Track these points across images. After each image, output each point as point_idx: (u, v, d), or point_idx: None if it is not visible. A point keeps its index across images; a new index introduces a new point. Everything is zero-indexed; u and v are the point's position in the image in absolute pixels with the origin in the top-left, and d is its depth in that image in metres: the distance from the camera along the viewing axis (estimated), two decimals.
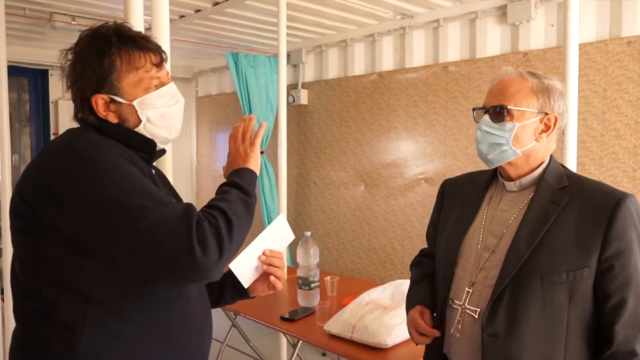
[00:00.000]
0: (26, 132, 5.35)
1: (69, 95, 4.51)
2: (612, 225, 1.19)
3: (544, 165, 1.33)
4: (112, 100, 1.17)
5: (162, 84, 1.22)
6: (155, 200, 1.05)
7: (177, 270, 1.03)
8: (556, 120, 1.31)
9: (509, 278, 1.24)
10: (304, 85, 4.81)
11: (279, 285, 1.33)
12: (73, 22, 3.86)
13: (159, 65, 1.21)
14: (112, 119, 1.18)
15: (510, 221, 1.31)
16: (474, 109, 1.38)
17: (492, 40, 3.59)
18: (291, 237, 1.39)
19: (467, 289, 1.33)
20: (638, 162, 2.98)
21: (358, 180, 4.42)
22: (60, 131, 5.23)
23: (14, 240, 1.17)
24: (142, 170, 1.14)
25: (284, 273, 1.32)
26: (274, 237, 1.32)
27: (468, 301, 1.32)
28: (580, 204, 1.24)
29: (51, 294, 1.08)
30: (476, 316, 1.29)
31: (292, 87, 4.76)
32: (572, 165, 2.07)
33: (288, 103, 4.79)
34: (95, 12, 3.87)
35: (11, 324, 2.89)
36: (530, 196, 1.31)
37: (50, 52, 5.07)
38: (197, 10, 3.81)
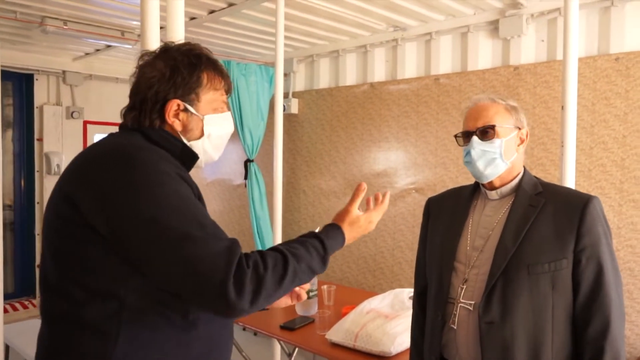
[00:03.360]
0: (7, 136, 5.24)
1: (54, 100, 4.42)
2: (583, 222, 1.39)
3: (520, 176, 1.55)
4: (185, 109, 1.23)
5: (225, 110, 1.32)
6: (203, 231, 1.04)
7: (206, 303, 1.03)
8: (527, 133, 1.57)
9: (500, 271, 1.42)
10: (295, 95, 4.84)
11: (304, 295, 1.36)
12: (65, 27, 3.81)
13: (228, 92, 1.32)
14: (177, 126, 1.24)
15: (495, 224, 1.51)
16: (459, 135, 1.57)
17: (484, 54, 3.68)
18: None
19: (460, 285, 1.50)
20: (625, 174, 3.08)
21: (348, 189, 4.44)
22: (45, 136, 5.17)
23: (47, 240, 1.16)
24: (190, 185, 1.15)
25: (308, 284, 1.33)
26: None
27: (462, 296, 1.49)
28: (554, 206, 1.45)
29: (84, 297, 1.07)
30: (471, 308, 1.46)
31: (282, 96, 4.76)
32: (570, 175, 2.13)
33: None
34: (88, 17, 3.83)
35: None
36: (510, 202, 1.52)
37: (37, 56, 5.00)
38: (192, 18, 3.80)
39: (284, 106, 4.66)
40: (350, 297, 2.96)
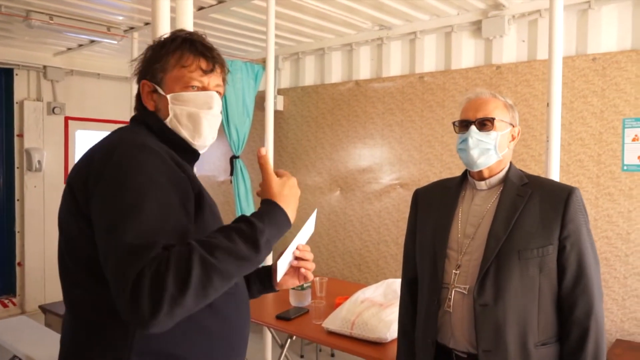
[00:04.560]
0: None
1: (34, 95, 4.40)
2: (566, 211, 1.50)
3: (506, 168, 1.63)
4: (155, 90, 1.23)
5: (203, 89, 1.24)
6: (140, 239, 0.98)
7: (118, 309, 0.97)
8: (519, 131, 1.65)
9: (493, 257, 1.50)
10: (280, 92, 4.89)
11: (311, 276, 1.38)
12: (50, 22, 3.78)
13: (207, 72, 1.23)
14: (150, 107, 1.24)
15: (485, 213, 1.59)
16: (457, 122, 1.63)
17: (467, 53, 3.79)
18: (312, 230, 1.45)
19: (454, 271, 1.57)
20: (601, 169, 3.23)
21: (334, 185, 4.52)
22: (26, 132, 5.11)
23: (60, 230, 1.19)
24: (185, 170, 1.17)
25: (313, 265, 1.37)
26: (305, 231, 1.39)
27: (456, 281, 1.56)
28: (540, 196, 1.54)
29: (99, 285, 1.10)
30: (465, 292, 1.53)
31: (273, 93, 4.81)
32: (555, 168, 2.25)
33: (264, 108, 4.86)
34: (74, 12, 3.81)
35: None
36: (498, 192, 1.60)
37: (16, 51, 4.94)
38: None
39: None
40: (340, 289, 3.04)
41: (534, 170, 3.38)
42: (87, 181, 1.10)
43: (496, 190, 1.61)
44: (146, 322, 0.92)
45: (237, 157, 4.75)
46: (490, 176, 1.62)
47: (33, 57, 5.08)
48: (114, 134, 1.23)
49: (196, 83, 1.23)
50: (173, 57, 1.22)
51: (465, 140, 1.58)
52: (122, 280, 0.95)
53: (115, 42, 4.34)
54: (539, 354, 1.49)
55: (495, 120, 1.57)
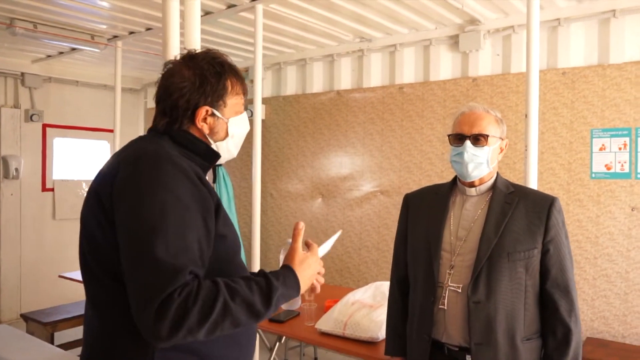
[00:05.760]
0: None
1: (11, 102, 4.39)
2: (549, 218, 1.65)
3: (494, 177, 1.77)
4: (212, 114, 1.34)
5: (243, 111, 1.43)
6: (166, 253, 1.07)
7: (135, 318, 1.08)
8: (507, 143, 1.79)
9: (485, 258, 1.63)
10: (262, 100, 4.96)
11: (318, 289, 1.43)
12: (35, 29, 3.78)
13: (245, 94, 1.42)
14: (205, 129, 1.34)
15: (476, 217, 1.72)
16: (452, 135, 1.75)
17: (445, 66, 3.97)
18: (329, 248, 1.53)
19: (448, 271, 1.69)
20: (572, 176, 3.43)
21: (315, 192, 4.63)
22: (3, 140, 5.06)
23: (83, 233, 1.25)
24: (206, 184, 1.25)
25: (322, 279, 1.42)
26: (324, 247, 1.48)
27: (450, 280, 1.68)
28: (526, 204, 1.69)
29: (119, 286, 1.16)
30: (459, 290, 1.66)
31: (249, 102, 4.90)
32: (533, 175, 2.41)
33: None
34: (58, 20, 3.83)
35: None
36: (487, 198, 1.74)
37: None
38: None
39: (250, 111, 4.79)
40: (328, 292, 3.13)
41: (508, 177, 3.55)
42: (112, 189, 1.17)
43: (485, 197, 1.74)
44: (159, 340, 1.05)
45: (220, 165, 4.80)
46: (480, 184, 1.75)
47: (11, 64, 5.04)
48: (138, 143, 1.30)
49: (242, 108, 1.41)
50: (230, 86, 1.35)
51: (460, 154, 1.70)
52: (148, 296, 1.04)
53: (99, 50, 4.36)
54: (524, 348, 1.62)
55: (489, 137, 1.69)
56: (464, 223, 1.73)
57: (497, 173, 1.79)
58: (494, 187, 1.75)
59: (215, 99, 1.34)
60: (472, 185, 1.76)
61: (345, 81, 4.50)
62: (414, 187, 4.04)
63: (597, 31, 3.38)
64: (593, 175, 3.36)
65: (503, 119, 1.78)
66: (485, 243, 1.65)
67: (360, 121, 4.36)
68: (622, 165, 3.28)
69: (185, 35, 2.23)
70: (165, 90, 1.34)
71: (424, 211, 1.83)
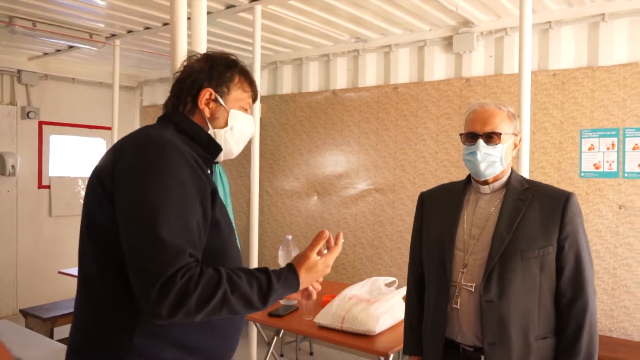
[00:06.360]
0: None
1: (8, 99, 4.46)
2: (565, 214, 1.61)
3: (508, 173, 1.74)
4: (216, 100, 1.38)
5: (249, 113, 1.49)
6: (170, 234, 1.12)
7: (136, 295, 1.13)
8: (520, 138, 1.76)
9: (498, 256, 1.60)
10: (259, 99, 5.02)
11: (314, 295, 1.47)
12: (34, 28, 3.82)
13: (254, 101, 1.49)
14: (207, 113, 1.38)
15: (489, 215, 1.69)
16: (464, 134, 1.72)
17: (439, 66, 4.05)
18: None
19: (461, 269, 1.67)
20: (561, 175, 3.53)
21: (311, 190, 4.70)
22: None
23: (85, 215, 1.28)
24: (204, 171, 1.29)
25: (319, 286, 1.46)
26: None
27: (463, 279, 1.66)
28: (540, 201, 1.65)
29: (108, 268, 1.21)
30: (472, 289, 1.63)
31: (259, 102, 4.95)
32: (524, 173, 2.50)
33: None
34: (57, 19, 3.86)
35: None
36: (501, 196, 1.70)
37: None
38: (165, 24, 3.93)
39: None
40: (324, 288, 3.19)
41: None
42: (113, 170, 1.20)
43: (499, 194, 1.71)
44: (158, 317, 1.11)
45: (216, 162, 4.85)
46: (494, 181, 1.72)
47: (7, 61, 5.06)
48: (143, 129, 1.34)
49: (248, 108, 1.46)
50: (239, 78, 1.41)
51: (473, 153, 1.67)
52: (151, 275, 1.09)
53: (96, 48, 4.40)
54: (538, 347, 1.60)
55: (501, 135, 1.65)
56: (478, 221, 1.70)
57: (512, 169, 1.75)
58: (507, 184, 1.71)
59: (219, 83, 1.39)
60: (485, 182, 1.72)
61: (340, 80, 4.57)
62: (408, 186, 4.14)
63: (587, 34, 3.47)
64: (582, 174, 3.46)
65: (516, 115, 1.73)
66: (497, 241, 1.62)
67: (356, 120, 4.43)
68: (610, 165, 3.38)
69: (192, 35, 2.30)
70: (179, 75, 1.41)
71: (438, 210, 1.81)
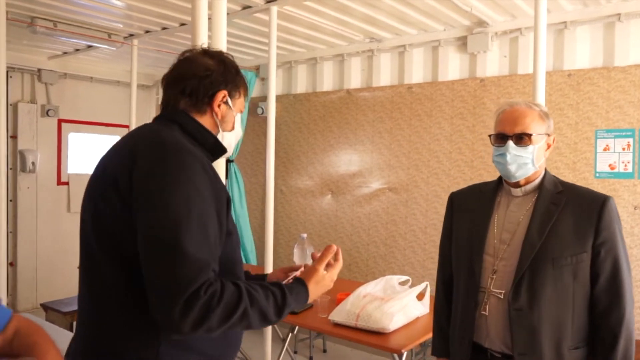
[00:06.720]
0: None
1: (28, 97, 4.54)
2: (601, 219, 1.52)
3: (542, 175, 1.64)
4: (226, 102, 1.38)
5: (241, 112, 1.50)
6: (193, 247, 1.11)
7: (154, 310, 1.11)
8: (554, 139, 1.67)
9: (527, 263, 1.53)
10: None
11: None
12: (55, 28, 3.90)
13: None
14: (218, 115, 1.37)
15: (520, 219, 1.61)
16: (494, 135, 1.64)
17: (453, 66, 4.06)
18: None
19: (490, 275, 1.61)
20: (576, 175, 3.53)
21: (325, 188, 4.74)
22: (20, 134, 5.17)
23: (90, 214, 1.25)
24: (218, 178, 1.29)
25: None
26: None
27: (492, 285, 1.59)
28: (574, 204, 1.56)
29: (121, 275, 1.19)
30: (501, 297, 1.57)
31: (260, 100, 5.02)
32: None
33: (257, 114, 5.05)
34: (77, 19, 3.94)
35: None
36: (534, 199, 1.61)
37: (12, 53, 4.98)
38: (182, 24, 3.99)
39: (261, 109, 4.91)
40: (338, 286, 3.23)
41: None
42: (130, 174, 1.17)
43: (531, 197, 1.62)
44: (180, 333, 1.10)
45: (231, 161, 4.92)
46: (527, 183, 1.63)
47: (28, 60, 5.16)
48: (153, 130, 1.30)
49: (242, 110, 1.47)
50: (243, 84, 1.44)
51: (502, 155, 1.59)
52: (175, 290, 1.07)
53: (115, 48, 4.47)
54: (571, 357, 1.53)
55: (532, 135, 1.57)
56: (509, 225, 1.63)
57: (546, 170, 1.65)
58: (540, 186, 1.62)
59: (234, 87, 1.40)
60: (517, 185, 1.64)
61: (355, 80, 4.60)
62: (422, 185, 4.16)
63: (603, 34, 3.47)
64: (597, 174, 3.46)
65: (549, 113, 1.64)
66: (527, 247, 1.55)
67: (370, 120, 4.46)
68: (626, 165, 3.37)
69: (212, 35, 2.37)
70: (188, 70, 1.35)
71: (469, 211, 1.74)
